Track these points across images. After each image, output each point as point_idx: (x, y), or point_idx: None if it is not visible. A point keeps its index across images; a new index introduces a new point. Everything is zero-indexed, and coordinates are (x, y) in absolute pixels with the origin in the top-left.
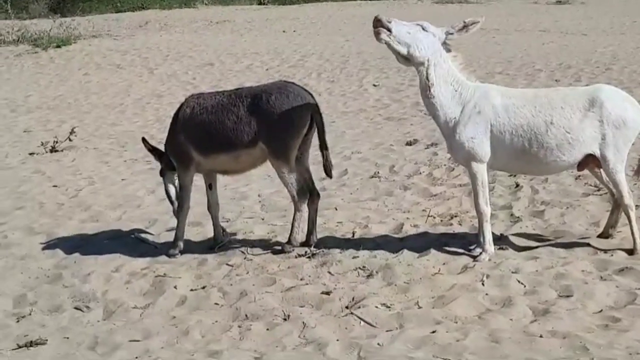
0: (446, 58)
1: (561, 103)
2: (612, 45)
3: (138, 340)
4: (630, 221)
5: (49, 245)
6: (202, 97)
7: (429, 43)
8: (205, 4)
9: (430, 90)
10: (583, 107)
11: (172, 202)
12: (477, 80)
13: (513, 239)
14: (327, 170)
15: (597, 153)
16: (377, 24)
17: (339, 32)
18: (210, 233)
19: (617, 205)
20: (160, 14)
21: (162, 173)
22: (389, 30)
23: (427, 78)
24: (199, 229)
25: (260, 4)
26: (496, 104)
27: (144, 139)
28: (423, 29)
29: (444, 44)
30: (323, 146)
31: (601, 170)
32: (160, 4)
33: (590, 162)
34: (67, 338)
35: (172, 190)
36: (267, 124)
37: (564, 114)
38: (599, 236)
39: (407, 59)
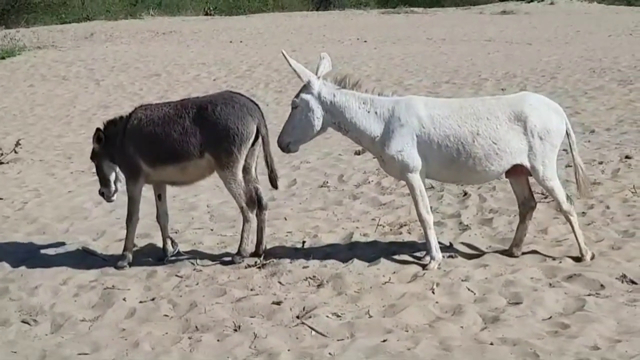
0: (338, 92)
1: (487, 114)
2: (557, 55)
3: (87, 354)
4: (573, 228)
5: None
6: (149, 108)
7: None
8: (152, 15)
9: (342, 128)
10: (508, 119)
11: (109, 187)
12: (394, 94)
13: (462, 247)
14: (273, 181)
15: (526, 163)
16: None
17: (287, 42)
18: (159, 244)
19: (524, 220)
20: (106, 24)
21: (95, 156)
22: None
23: (339, 125)
24: (148, 240)
25: (207, 14)
26: (421, 114)
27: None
28: (293, 107)
29: (325, 87)
30: (268, 157)
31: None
32: (106, 15)
33: (519, 170)
34: (15, 352)
35: (113, 175)
36: (213, 135)
37: (490, 125)
38: (504, 253)
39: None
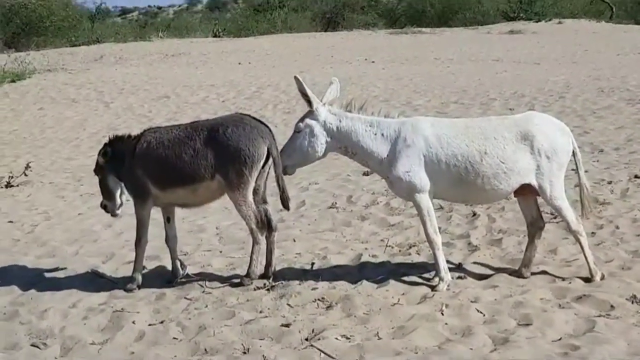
0: (344, 117)
1: (494, 133)
2: (565, 74)
3: None
4: (582, 248)
5: (5, 282)
6: (158, 131)
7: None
8: (160, 37)
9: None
10: (515, 138)
11: (114, 200)
12: (400, 115)
13: (471, 268)
14: (284, 202)
15: (534, 183)
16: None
17: (295, 63)
18: (168, 267)
19: (533, 241)
20: (116, 47)
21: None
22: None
23: (346, 149)
24: (157, 263)
25: (215, 36)
26: (427, 134)
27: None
28: (296, 131)
29: (331, 113)
30: (279, 178)
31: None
32: (115, 38)
33: (528, 190)
34: None
35: (118, 189)
36: (224, 156)
37: (497, 145)
38: (513, 274)
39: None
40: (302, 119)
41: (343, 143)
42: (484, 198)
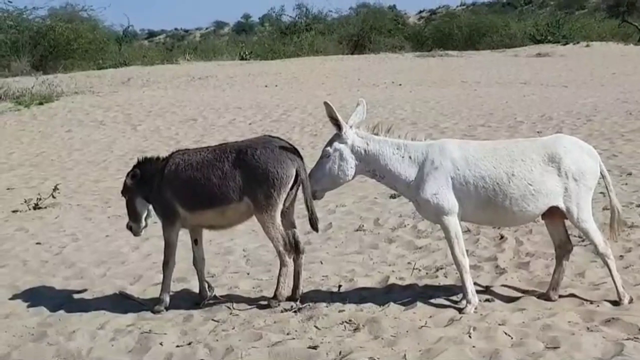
0: (371, 140)
1: (521, 156)
2: (593, 97)
3: None
4: (610, 271)
5: (33, 303)
6: (187, 153)
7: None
8: (187, 60)
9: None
10: (542, 160)
11: (140, 222)
12: (427, 138)
13: (499, 291)
14: (313, 224)
15: (561, 205)
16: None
17: (321, 86)
18: (195, 288)
19: (560, 263)
20: (143, 70)
21: (126, 191)
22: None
23: (373, 172)
24: (185, 285)
25: (242, 59)
26: (455, 157)
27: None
28: (325, 156)
29: (359, 137)
30: (308, 200)
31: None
32: (142, 61)
33: (555, 213)
34: None
35: (145, 211)
36: (253, 179)
37: (525, 167)
38: (541, 297)
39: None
40: (329, 143)
41: (371, 166)
42: (512, 220)
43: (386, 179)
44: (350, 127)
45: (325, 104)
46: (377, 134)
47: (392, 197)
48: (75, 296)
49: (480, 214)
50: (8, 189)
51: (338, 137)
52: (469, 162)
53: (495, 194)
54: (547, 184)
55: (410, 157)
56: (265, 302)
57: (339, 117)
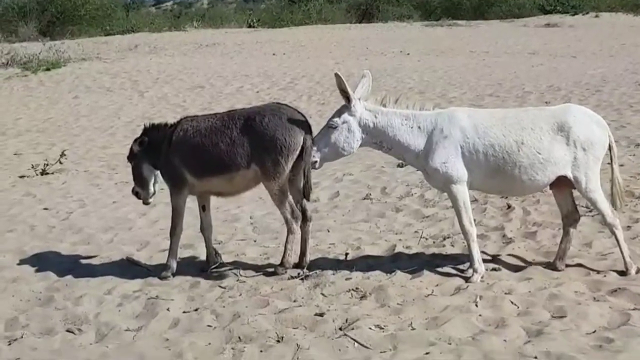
0: (379, 112)
1: (530, 124)
2: (602, 68)
3: None
4: (618, 241)
5: (41, 268)
6: (195, 119)
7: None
8: (195, 27)
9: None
10: (552, 129)
11: (147, 188)
12: (435, 107)
13: (506, 260)
14: (306, 192)
15: (569, 175)
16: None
17: (329, 55)
18: (202, 255)
19: (568, 234)
20: (150, 37)
21: (133, 157)
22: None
23: (381, 144)
24: (192, 251)
25: (250, 27)
26: (464, 125)
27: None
28: (332, 126)
29: (367, 110)
30: (306, 167)
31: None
32: (150, 27)
33: (563, 183)
34: None
35: (152, 178)
36: (261, 145)
37: (534, 135)
38: (548, 266)
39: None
40: (337, 114)
41: (379, 138)
42: (521, 189)
43: (394, 150)
44: (359, 99)
45: (336, 75)
46: (385, 106)
47: (400, 166)
48: (83, 262)
49: (489, 182)
50: (15, 154)
51: (346, 108)
52: (478, 131)
53: (505, 162)
54: (555, 153)
55: (419, 127)
56: (272, 270)
57: (349, 89)
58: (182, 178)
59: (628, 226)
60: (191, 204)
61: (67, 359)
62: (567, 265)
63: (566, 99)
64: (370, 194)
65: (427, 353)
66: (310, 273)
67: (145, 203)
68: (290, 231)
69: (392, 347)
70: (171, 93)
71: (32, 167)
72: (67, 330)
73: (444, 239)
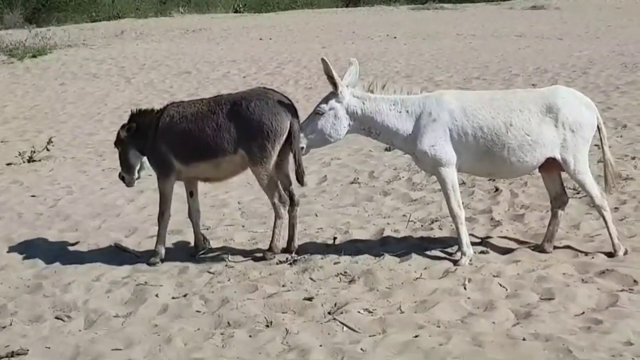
0: (367, 99)
1: (519, 106)
2: (588, 50)
3: (120, 349)
4: (606, 223)
5: (29, 255)
6: (181, 105)
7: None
8: (181, 13)
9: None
10: (540, 111)
11: (132, 173)
12: (422, 91)
13: (494, 243)
14: (300, 177)
15: (558, 156)
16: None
17: (316, 39)
18: (191, 241)
19: (556, 216)
20: (136, 22)
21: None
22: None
23: (369, 130)
24: (180, 237)
25: (236, 12)
26: (452, 107)
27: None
28: (319, 113)
29: (354, 96)
30: (296, 153)
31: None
32: (136, 13)
33: (552, 165)
34: (49, 348)
35: (138, 163)
36: (247, 130)
37: (523, 117)
38: (536, 249)
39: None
40: (325, 101)
41: (367, 125)
42: (509, 171)
43: (382, 135)
44: (347, 87)
45: (323, 60)
46: (372, 92)
47: (387, 150)
48: (71, 248)
49: (478, 164)
50: (2, 141)
51: (334, 95)
52: (466, 113)
53: (493, 144)
54: (544, 135)
55: (407, 111)
56: (260, 255)
57: (336, 76)
58: (169, 164)
59: (616, 207)
60: (179, 189)
61: (57, 345)
62: (555, 248)
63: (553, 81)
64: (358, 178)
65: (416, 336)
66: (299, 258)
67: (129, 186)
68: (278, 216)
69: (381, 330)
70: (158, 79)
71: (19, 155)
72: (56, 317)
73: (432, 222)
